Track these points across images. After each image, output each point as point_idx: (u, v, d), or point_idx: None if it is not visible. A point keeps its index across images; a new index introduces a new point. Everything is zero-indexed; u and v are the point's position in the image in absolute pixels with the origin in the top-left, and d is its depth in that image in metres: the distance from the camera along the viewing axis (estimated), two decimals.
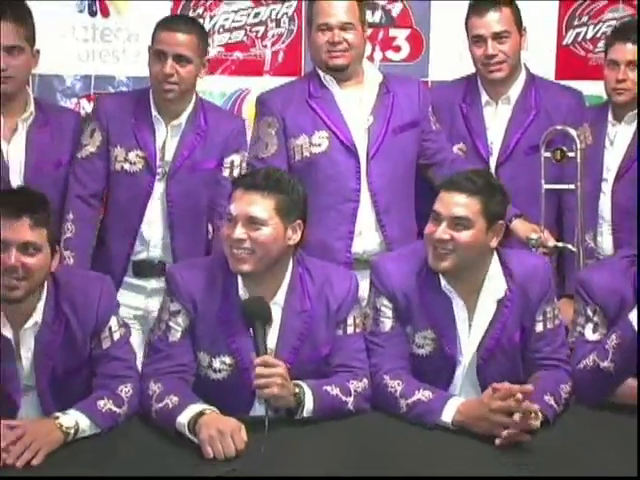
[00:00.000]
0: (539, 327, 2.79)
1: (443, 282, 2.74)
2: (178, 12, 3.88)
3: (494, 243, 2.74)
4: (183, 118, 3.28)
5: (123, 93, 3.71)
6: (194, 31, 3.26)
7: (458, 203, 2.67)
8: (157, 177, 3.27)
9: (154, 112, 3.28)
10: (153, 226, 3.29)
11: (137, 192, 3.27)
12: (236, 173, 3.32)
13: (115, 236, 3.31)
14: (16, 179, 3.21)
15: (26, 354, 2.59)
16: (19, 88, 3.22)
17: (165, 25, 3.24)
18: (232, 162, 3.35)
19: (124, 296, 3.19)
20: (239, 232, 2.59)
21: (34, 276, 2.52)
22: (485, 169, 3.35)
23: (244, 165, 3.37)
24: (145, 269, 3.28)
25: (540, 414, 2.53)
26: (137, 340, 3.10)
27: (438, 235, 2.67)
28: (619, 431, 2.57)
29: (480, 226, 2.68)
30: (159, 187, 3.27)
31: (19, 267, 2.48)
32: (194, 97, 3.32)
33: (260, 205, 2.61)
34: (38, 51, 3.26)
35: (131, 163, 3.26)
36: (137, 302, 3.03)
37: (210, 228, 3.38)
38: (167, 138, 3.28)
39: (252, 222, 2.60)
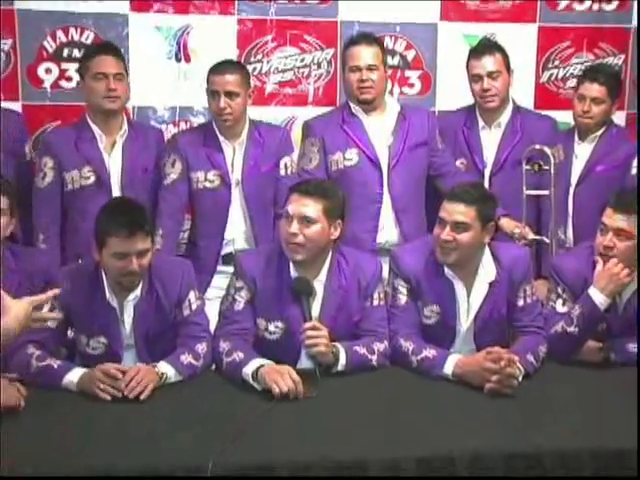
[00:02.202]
0: (520, 302, 2.77)
1: (446, 269, 2.73)
2: (242, 58, 3.88)
3: (487, 239, 2.73)
4: (244, 135, 3.27)
5: (192, 128, 3.68)
6: (238, 71, 3.24)
7: (458, 211, 2.65)
8: (232, 186, 3.25)
9: (221, 138, 3.26)
10: (236, 225, 3.27)
11: (219, 202, 3.25)
12: (289, 172, 3.33)
13: (205, 238, 3.29)
14: (115, 183, 3.22)
15: (128, 320, 2.62)
16: (122, 107, 3.25)
17: (216, 70, 3.22)
18: (285, 164, 3.33)
19: (217, 280, 3.21)
20: (294, 228, 2.59)
21: (144, 270, 2.56)
22: (480, 181, 3.34)
23: (294, 165, 3.36)
24: (231, 259, 3.20)
25: (522, 369, 2.54)
26: None
27: (443, 237, 2.66)
28: (581, 380, 2.59)
29: (476, 228, 2.66)
30: (236, 193, 3.26)
31: (138, 270, 2.52)
32: (247, 119, 3.30)
33: (312, 207, 2.61)
34: (129, 82, 3.30)
35: (210, 181, 3.24)
36: (225, 284, 3.00)
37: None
38: (235, 155, 3.27)
39: (305, 220, 2.60)
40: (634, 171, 3.46)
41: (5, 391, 2.24)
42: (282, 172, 3.33)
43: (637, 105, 3.47)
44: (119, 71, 3.19)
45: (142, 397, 2.36)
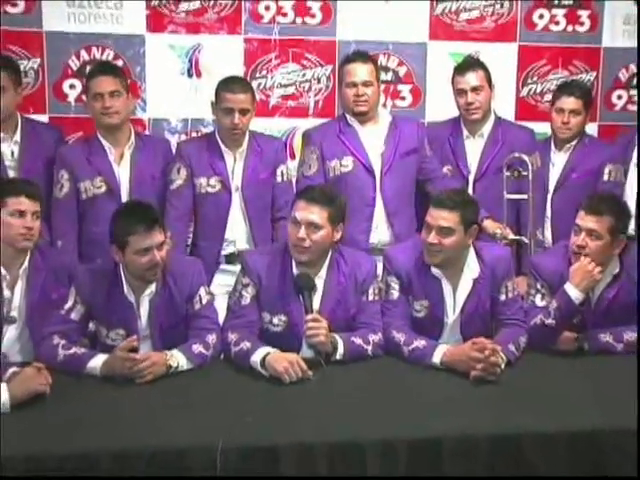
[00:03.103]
0: (502, 297, 2.75)
1: (433, 268, 2.71)
2: (249, 74, 3.88)
3: (470, 241, 2.72)
4: (244, 145, 3.25)
5: (196, 138, 3.66)
6: (249, 90, 3.22)
7: (442, 217, 2.63)
8: (232, 191, 3.23)
9: (222, 147, 3.23)
10: (236, 227, 3.24)
11: (220, 206, 3.23)
12: (284, 179, 3.31)
13: (206, 239, 3.26)
14: (124, 191, 3.21)
15: (144, 313, 2.61)
16: (122, 121, 3.21)
17: (229, 88, 3.16)
18: (282, 171, 3.31)
19: (220, 278, 3.19)
20: (302, 233, 2.58)
21: (163, 261, 2.56)
22: (463, 187, 3.32)
23: (290, 172, 3.35)
24: (234, 258, 3.21)
25: (505, 358, 2.53)
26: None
27: (430, 240, 2.64)
28: (557, 368, 2.59)
29: (460, 232, 2.65)
30: (235, 198, 3.24)
31: (160, 261, 2.53)
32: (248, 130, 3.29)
33: (318, 214, 2.60)
34: (132, 95, 3.27)
35: (212, 187, 3.21)
36: (229, 281, 2.99)
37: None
38: (235, 163, 3.24)
39: (311, 226, 2.59)
40: (606, 177, 3.47)
41: (34, 379, 2.24)
42: (278, 179, 3.31)
43: (637, 111, 3.46)
44: (115, 89, 3.14)
45: (137, 381, 2.38)
